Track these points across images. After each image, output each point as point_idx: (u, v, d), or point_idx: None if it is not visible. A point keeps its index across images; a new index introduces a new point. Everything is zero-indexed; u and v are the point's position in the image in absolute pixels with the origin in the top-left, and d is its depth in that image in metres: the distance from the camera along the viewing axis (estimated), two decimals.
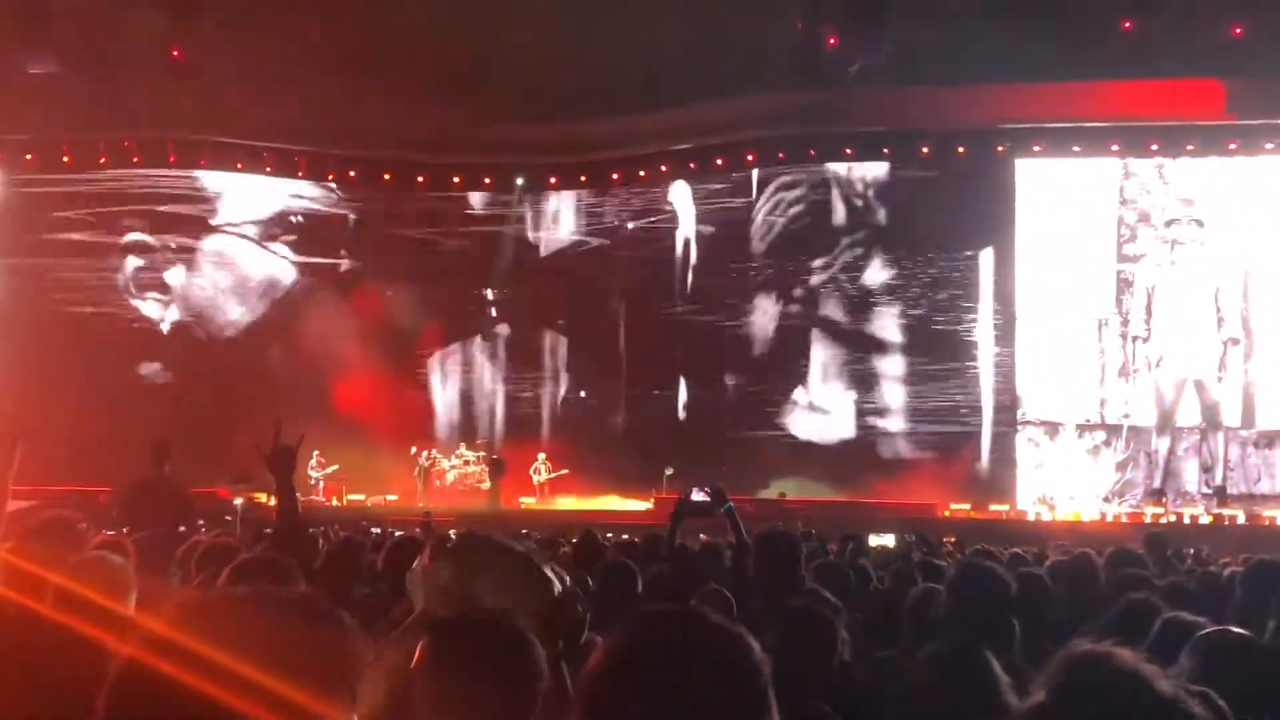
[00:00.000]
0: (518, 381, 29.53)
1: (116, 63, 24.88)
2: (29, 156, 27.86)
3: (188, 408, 25.47)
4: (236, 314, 28.67)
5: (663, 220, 28.84)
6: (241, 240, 28.91)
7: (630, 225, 29.19)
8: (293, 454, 5.25)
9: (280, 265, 29.05)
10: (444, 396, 29.52)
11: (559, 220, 29.74)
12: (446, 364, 29.58)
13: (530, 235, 29.73)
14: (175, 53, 24.92)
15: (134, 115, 27.10)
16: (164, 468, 10.55)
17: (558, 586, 2.84)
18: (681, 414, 28.17)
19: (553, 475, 26.52)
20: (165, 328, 28.47)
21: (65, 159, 27.79)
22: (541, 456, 26.83)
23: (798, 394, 27.10)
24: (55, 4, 23.60)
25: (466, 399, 29.60)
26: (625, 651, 1.88)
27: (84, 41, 24.42)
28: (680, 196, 28.52)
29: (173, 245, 28.54)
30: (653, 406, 28.37)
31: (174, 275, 28.56)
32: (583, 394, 29.13)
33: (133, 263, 28.38)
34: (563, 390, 29.37)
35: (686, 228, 28.53)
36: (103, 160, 27.92)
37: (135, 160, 28.08)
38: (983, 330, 26.43)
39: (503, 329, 29.60)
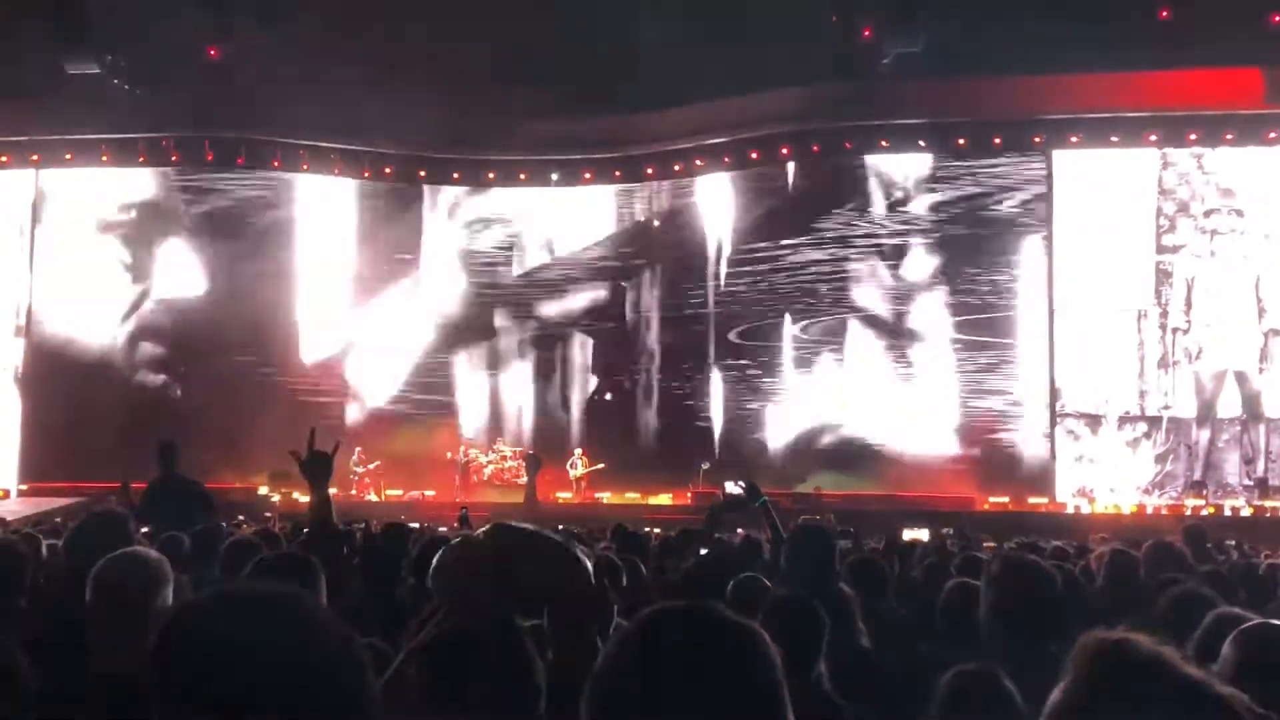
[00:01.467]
0: (546, 378, 29.53)
1: (154, 63, 25.04)
2: (69, 156, 28.14)
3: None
4: None
5: (692, 214, 28.78)
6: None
7: (657, 222, 29.11)
8: (328, 460, 5.32)
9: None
10: (471, 394, 29.59)
11: (583, 214, 29.66)
12: (473, 361, 29.63)
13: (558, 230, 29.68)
14: (212, 52, 25.11)
15: (172, 115, 27.30)
16: (173, 466, 10.65)
17: (590, 567, 2.83)
18: (713, 408, 28.12)
19: (589, 470, 26.54)
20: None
21: (104, 158, 28.03)
22: (578, 452, 26.87)
23: (835, 387, 26.97)
24: (93, 5, 23.81)
25: (494, 397, 29.65)
26: (634, 647, 1.89)
27: (122, 42, 24.65)
28: (712, 189, 28.46)
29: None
30: (683, 401, 28.39)
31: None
32: (608, 396, 29.08)
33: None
34: (590, 387, 29.31)
35: (718, 220, 28.45)
36: (141, 159, 28.12)
37: (173, 159, 28.27)
38: (1020, 323, 26.25)
39: (530, 325, 29.58)
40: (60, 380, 27.39)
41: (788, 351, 27.47)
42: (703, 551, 7.44)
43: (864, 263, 27.04)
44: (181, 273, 28.40)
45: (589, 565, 2.76)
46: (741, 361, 27.80)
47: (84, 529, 4.64)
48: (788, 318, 27.43)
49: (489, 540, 2.80)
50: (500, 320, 29.53)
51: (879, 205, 27.07)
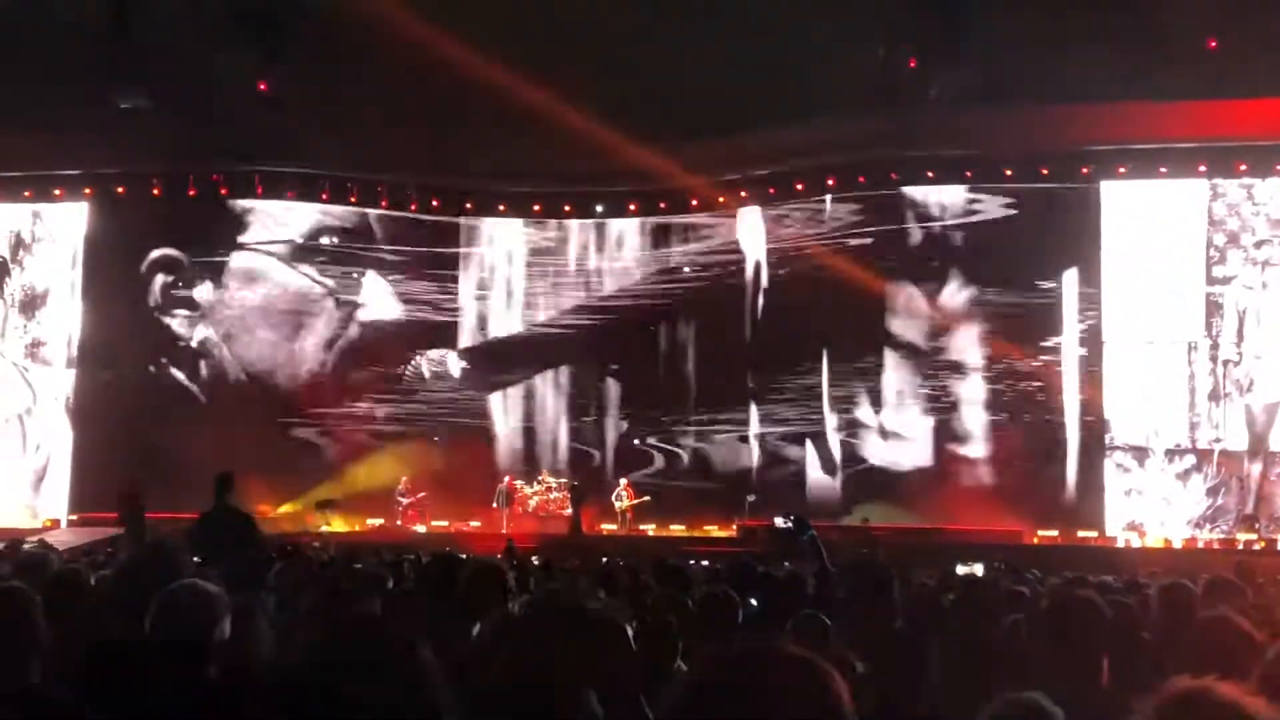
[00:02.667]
0: (581, 409, 29.63)
1: (205, 97, 25.32)
2: (120, 190, 28.49)
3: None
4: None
5: (732, 246, 28.85)
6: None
7: (693, 258, 29.22)
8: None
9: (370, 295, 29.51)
10: (506, 427, 29.72)
11: (623, 246, 29.76)
12: (509, 394, 29.77)
13: (596, 263, 29.84)
14: (262, 86, 25.37)
15: (222, 148, 27.60)
16: (228, 497, 10.76)
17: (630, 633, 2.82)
18: (754, 441, 28.07)
19: (635, 502, 26.49)
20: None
21: (155, 192, 28.37)
22: (623, 483, 26.81)
23: (875, 420, 26.84)
24: (146, 40, 24.12)
25: (529, 431, 29.76)
26: (707, 687, 1.87)
27: (174, 76, 24.94)
28: (752, 221, 28.50)
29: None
30: (726, 433, 28.35)
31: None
32: (642, 437, 29.10)
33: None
34: (625, 422, 29.35)
35: (757, 252, 28.47)
36: (191, 193, 28.44)
37: (223, 192, 28.57)
38: (1069, 354, 26.06)
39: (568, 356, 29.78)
40: (109, 410, 27.64)
41: (827, 383, 27.33)
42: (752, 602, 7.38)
43: (907, 293, 26.92)
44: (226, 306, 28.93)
45: (629, 632, 2.75)
46: (780, 392, 27.70)
47: (140, 560, 4.66)
48: (826, 350, 27.29)
49: (533, 625, 2.81)
50: (537, 350, 29.80)
51: (922, 236, 26.97)
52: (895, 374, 26.90)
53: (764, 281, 28.33)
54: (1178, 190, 25.87)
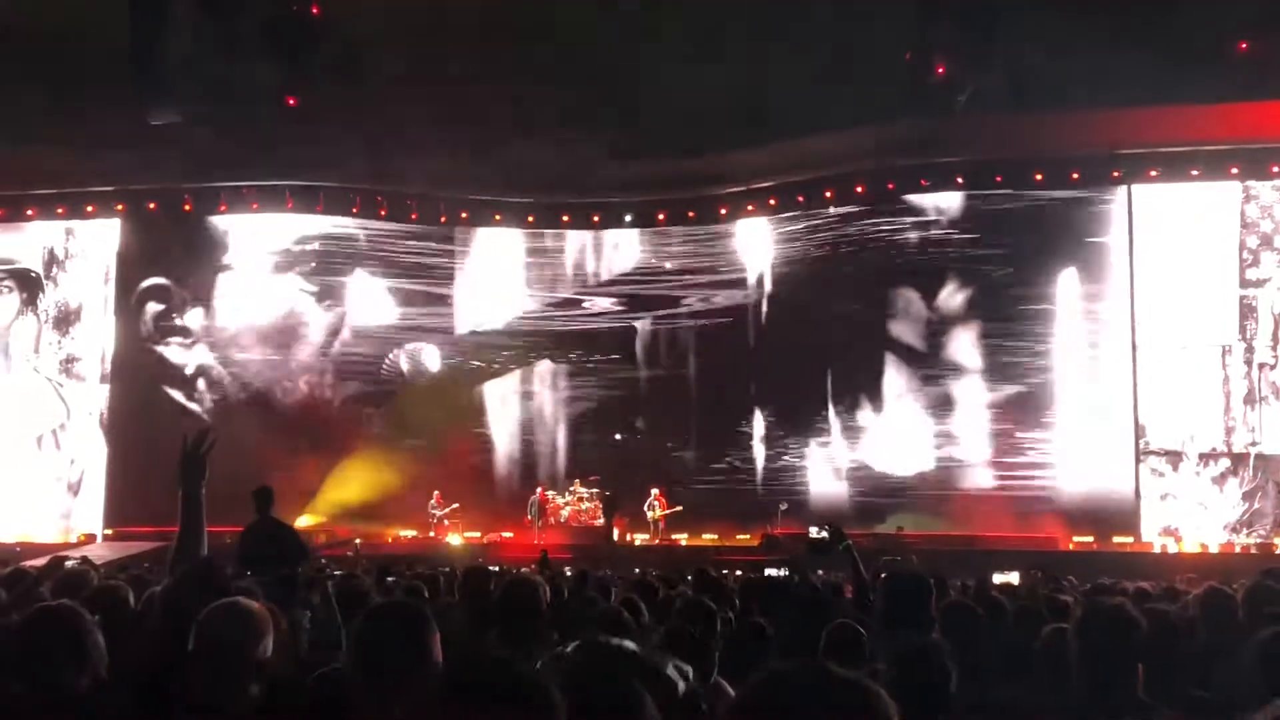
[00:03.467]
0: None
1: (234, 112, 25.47)
2: (151, 206, 28.73)
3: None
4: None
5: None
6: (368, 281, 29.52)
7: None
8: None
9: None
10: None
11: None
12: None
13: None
14: (290, 101, 25.51)
15: (251, 163, 27.78)
16: (269, 510, 10.87)
17: (680, 686, 2.81)
18: (760, 449, 28.15)
19: (667, 512, 26.46)
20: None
21: (186, 207, 28.61)
22: (654, 493, 26.75)
23: (909, 427, 26.76)
24: (175, 56, 24.29)
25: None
26: (754, 711, 1.88)
27: (203, 92, 25.11)
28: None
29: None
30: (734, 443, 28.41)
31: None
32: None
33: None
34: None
35: (764, 261, 28.56)
36: (221, 208, 28.66)
37: (254, 207, 28.75)
38: (1103, 359, 25.90)
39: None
40: (142, 424, 27.82)
41: (859, 390, 27.29)
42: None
43: (935, 299, 26.83)
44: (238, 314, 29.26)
45: (674, 677, 2.75)
46: (797, 401, 27.74)
47: (184, 578, 4.68)
48: (853, 353, 27.26)
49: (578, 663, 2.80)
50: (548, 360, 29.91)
51: (955, 242, 26.86)
52: (933, 381, 26.79)
53: (769, 288, 28.36)
54: (1210, 193, 25.71)
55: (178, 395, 28.71)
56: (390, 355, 29.32)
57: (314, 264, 29.27)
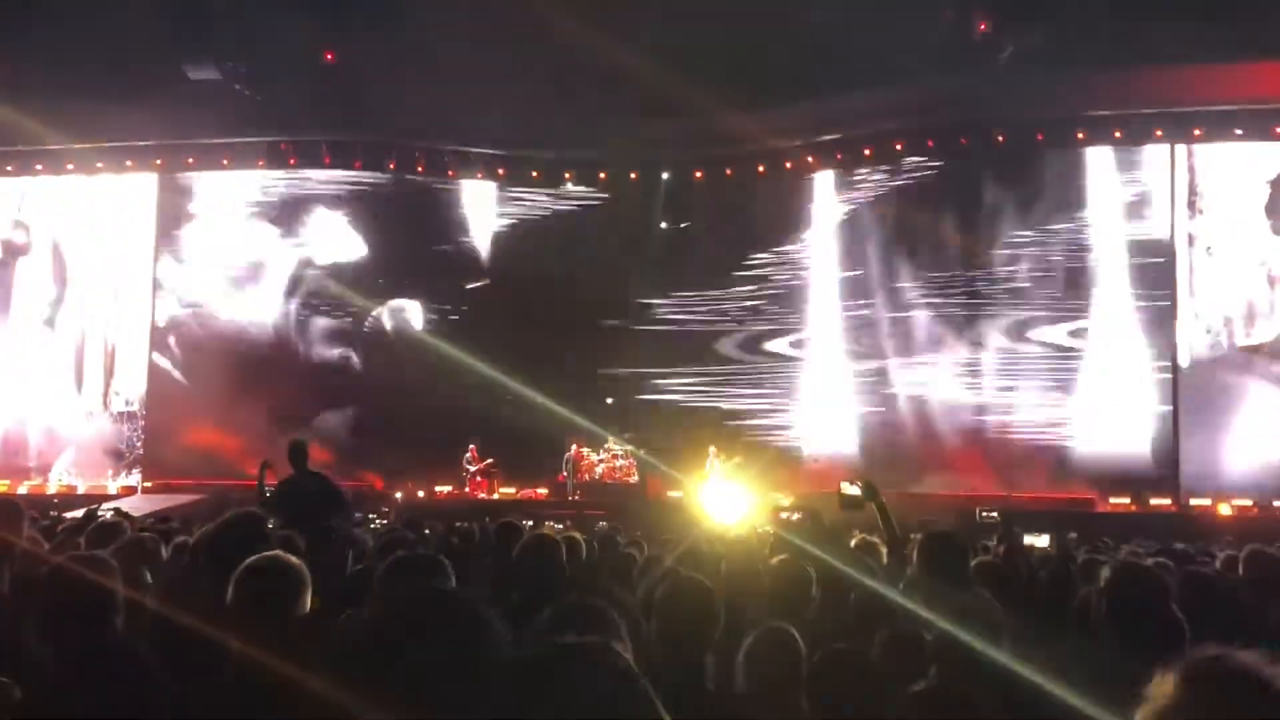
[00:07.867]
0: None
1: (272, 67, 25.46)
2: (190, 160, 28.83)
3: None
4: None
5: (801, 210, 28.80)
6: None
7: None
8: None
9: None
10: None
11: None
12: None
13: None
14: (329, 56, 25.52)
15: (290, 118, 27.82)
16: (305, 464, 10.92)
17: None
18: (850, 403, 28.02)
19: (726, 465, 25.98)
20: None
21: (224, 162, 28.70)
22: (712, 450, 25.62)
23: (947, 385, 26.62)
24: (213, 11, 24.32)
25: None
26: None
27: (241, 47, 25.14)
28: (823, 185, 28.36)
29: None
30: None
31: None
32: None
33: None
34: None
35: (825, 215, 28.38)
36: (260, 163, 28.73)
37: (291, 163, 28.80)
38: (1144, 318, 25.59)
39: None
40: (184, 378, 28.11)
41: (905, 344, 27.19)
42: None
43: (985, 255, 26.59)
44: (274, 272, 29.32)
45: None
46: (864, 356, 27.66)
47: (224, 531, 4.72)
48: (902, 309, 27.16)
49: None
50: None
51: (988, 200, 26.58)
52: (974, 338, 26.64)
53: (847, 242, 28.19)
54: (1258, 153, 25.33)
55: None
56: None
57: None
